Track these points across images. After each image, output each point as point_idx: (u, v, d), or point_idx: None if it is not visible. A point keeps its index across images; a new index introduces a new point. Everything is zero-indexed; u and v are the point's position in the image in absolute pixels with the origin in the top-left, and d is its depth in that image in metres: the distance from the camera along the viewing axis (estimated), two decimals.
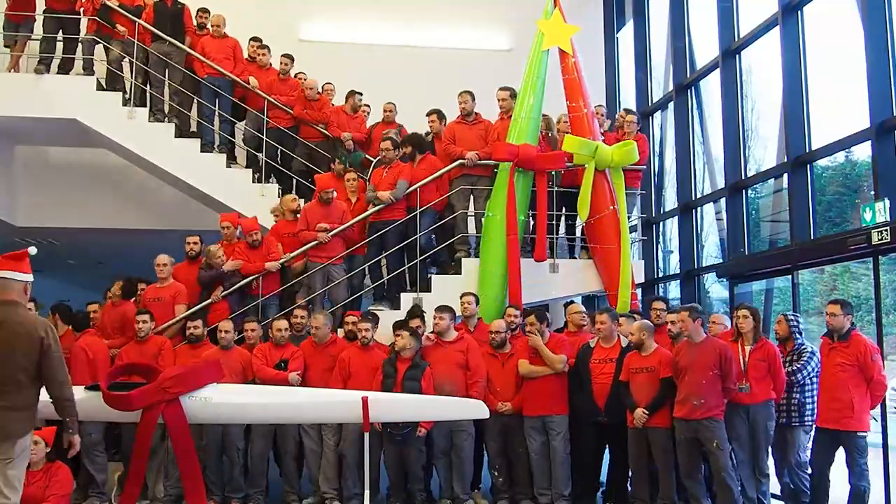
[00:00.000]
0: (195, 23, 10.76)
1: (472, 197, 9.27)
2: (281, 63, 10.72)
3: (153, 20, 10.46)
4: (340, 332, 8.18)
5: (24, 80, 10.07)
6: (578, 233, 9.77)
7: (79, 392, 6.39)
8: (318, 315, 7.95)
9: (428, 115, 9.77)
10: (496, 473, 7.79)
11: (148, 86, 10.36)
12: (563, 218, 9.61)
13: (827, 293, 9.59)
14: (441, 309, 7.81)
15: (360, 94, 10.65)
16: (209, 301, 8.59)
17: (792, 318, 7.46)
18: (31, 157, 11.40)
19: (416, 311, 8.35)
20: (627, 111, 9.87)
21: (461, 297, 8.21)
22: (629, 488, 7.57)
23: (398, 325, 7.80)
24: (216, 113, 10.53)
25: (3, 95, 9.84)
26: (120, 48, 10.26)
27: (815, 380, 7.16)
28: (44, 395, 5.60)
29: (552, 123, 9.57)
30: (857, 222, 8.84)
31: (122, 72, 10.39)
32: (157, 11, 10.55)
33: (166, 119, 10.38)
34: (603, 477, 7.95)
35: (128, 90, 10.28)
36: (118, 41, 10.27)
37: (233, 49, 10.63)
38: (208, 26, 10.70)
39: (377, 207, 8.98)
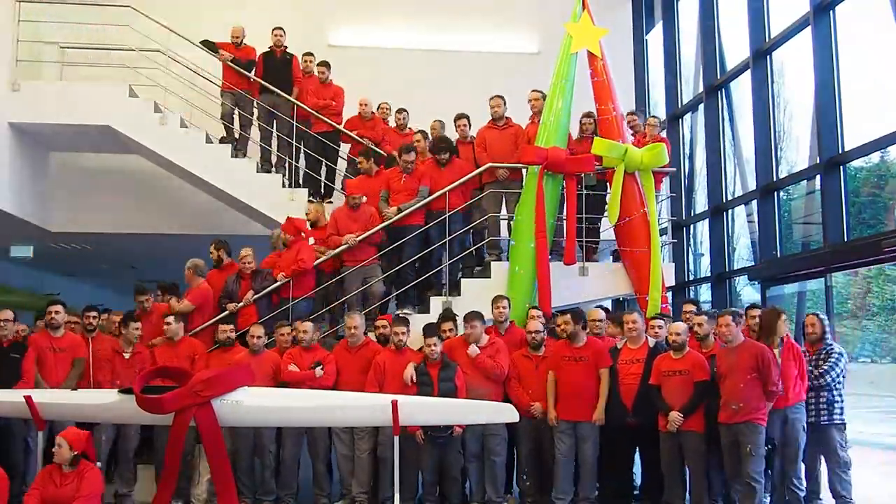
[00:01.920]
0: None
1: (503, 201, 9.28)
2: (318, 71, 10.78)
3: None
4: (371, 335, 8.21)
5: (57, 88, 10.23)
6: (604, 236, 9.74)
7: (112, 395, 6.52)
8: (354, 316, 7.97)
9: (457, 119, 9.77)
10: (524, 477, 7.77)
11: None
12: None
13: (861, 296, 9.49)
14: (473, 316, 7.79)
15: (406, 111, 10.64)
16: (241, 305, 8.65)
17: (823, 317, 7.40)
18: (66, 164, 11.54)
19: (448, 315, 8.35)
20: (653, 116, 9.82)
21: (494, 303, 8.18)
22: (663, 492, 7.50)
23: (428, 329, 7.80)
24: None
25: (37, 103, 9.99)
26: None
27: (842, 380, 7.11)
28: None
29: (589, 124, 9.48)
30: (892, 224, 8.73)
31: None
32: None
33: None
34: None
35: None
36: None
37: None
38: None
39: (376, 228, 8.97)
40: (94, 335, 8.04)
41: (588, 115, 9.38)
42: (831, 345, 7.26)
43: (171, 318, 8.08)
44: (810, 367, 7.15)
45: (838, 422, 7.09)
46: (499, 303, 8.16)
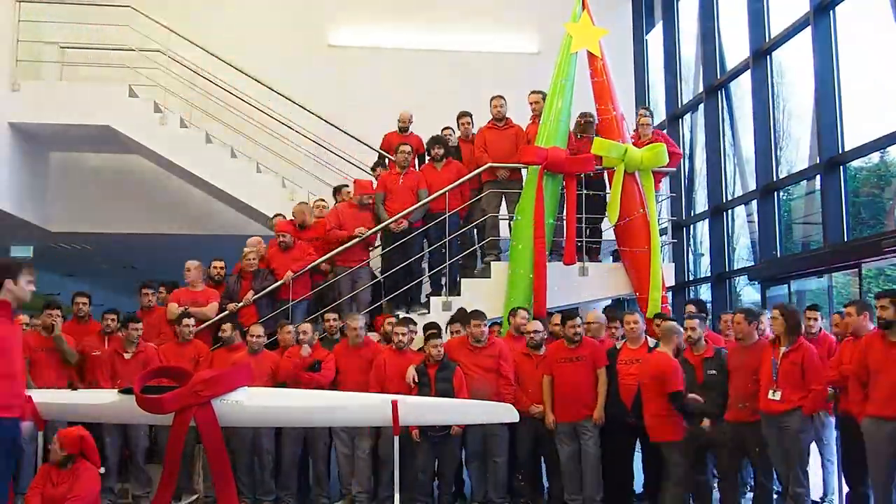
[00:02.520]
0: None
1: (503, 201, 9.28)
2: None
3: None
4: (371, 335, 8.20)
5: (58, 88, 10.23)
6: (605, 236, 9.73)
7: (112, 395, 6.52)
8: (357, 316, 7.97)
9: (460, 117, 9.75)
10: (519, 477, 7.76)
11: None
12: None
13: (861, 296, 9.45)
14: (477, 315, 7.77)
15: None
16: (241, 304, 8.65)
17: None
18: (66, 164, 11.55)
19: (459, 315, 8.29)
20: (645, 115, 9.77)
21: (515, 313, 8.11)
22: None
23: (432, 330, 7.78)
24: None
25: (37, 103, 10.00)
26: None
27: None
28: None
29: (593, 124, 9.46)
30: (892, 223, 8.73)
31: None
32: None
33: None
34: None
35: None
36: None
37: None
38: None
39: (369, 232, 8.98)
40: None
41: (583, 114, 9.37)
42: None
43: (191, 321, 8.09)
44: None
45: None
46: (518, 312, 8.10)
